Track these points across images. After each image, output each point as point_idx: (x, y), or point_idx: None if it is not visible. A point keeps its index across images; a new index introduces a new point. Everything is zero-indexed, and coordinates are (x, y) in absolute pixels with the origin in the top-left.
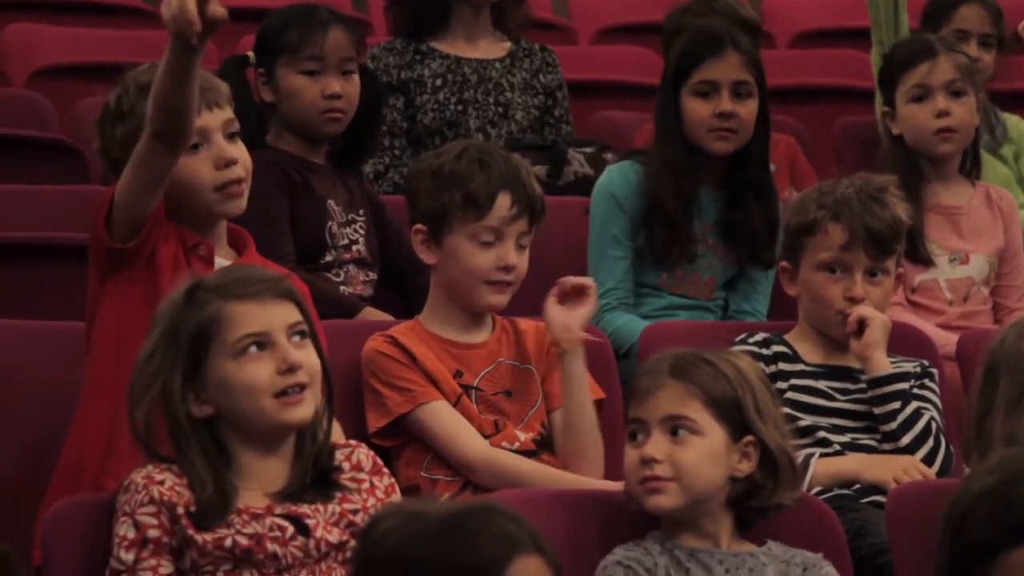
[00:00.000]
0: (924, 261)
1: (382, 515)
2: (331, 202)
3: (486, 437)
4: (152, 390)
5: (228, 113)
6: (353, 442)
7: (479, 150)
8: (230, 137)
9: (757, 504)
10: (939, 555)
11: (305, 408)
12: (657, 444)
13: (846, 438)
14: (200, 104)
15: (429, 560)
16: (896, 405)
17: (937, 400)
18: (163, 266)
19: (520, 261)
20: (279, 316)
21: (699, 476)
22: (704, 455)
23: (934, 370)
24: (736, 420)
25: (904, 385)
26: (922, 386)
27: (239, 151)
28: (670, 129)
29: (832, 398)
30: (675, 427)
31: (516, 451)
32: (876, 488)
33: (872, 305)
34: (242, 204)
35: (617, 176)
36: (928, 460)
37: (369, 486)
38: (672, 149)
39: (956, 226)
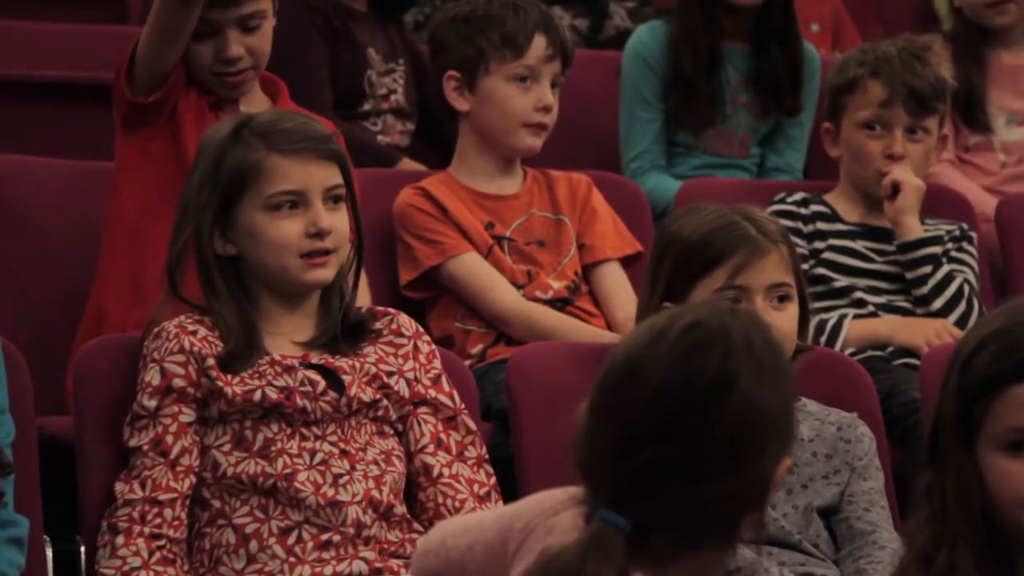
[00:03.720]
0: (982, 126)
1: None
2: (371, 50)
3: (519, 287)
4: (189, 225)
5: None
6: (392, 310)
7: None
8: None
9: None
10: (942, 397)
11: (328, 271)
12: (764, 312)
13: (882, 299)
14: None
15: None
16: (927, 269)
17: (974, 263)
18: (185, 119)
19: (554, 103)
20: (318, 177)
21: (793, 342)
22: (796, 320)
23: (973, 233)
24: (799, 283)
25: (936, 249)
26: (960, 249)
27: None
28: None
29: (870, 260)
30: (779, 295)
31: (549, 300)
32: (909, 350)
33: (912, 164)
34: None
35: (647, 37)
36: (961, 323)
37: (412, 349)
38: (691, 11)
39: (1016, 87)
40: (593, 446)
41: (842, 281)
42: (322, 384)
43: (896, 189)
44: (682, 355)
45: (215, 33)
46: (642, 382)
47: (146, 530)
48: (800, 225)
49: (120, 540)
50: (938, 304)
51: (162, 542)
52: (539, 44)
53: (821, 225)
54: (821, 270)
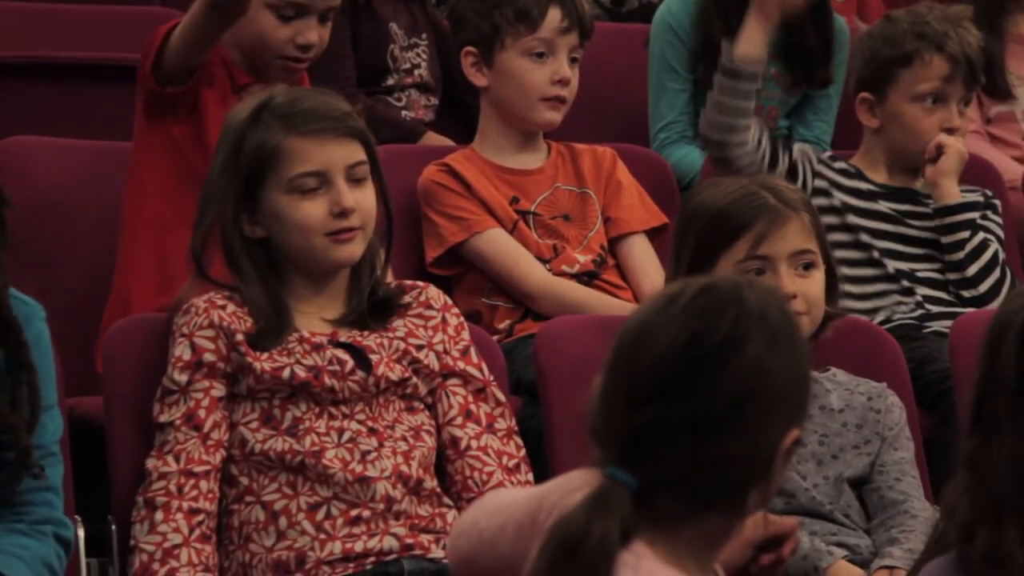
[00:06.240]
0: (1003, 94)
1: None
2: (393, 25)
3: (545, 261)
4: (213, 209)
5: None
6: (421, 283)
7: None
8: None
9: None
10: (994, 362)
11: (355, 247)
12: (789, 280)
13: (904, 265)
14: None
15: None
16: (964, 235)
17: (1000, 231)
18: (208, 106)
19: (573, 77)
20: (339, 155)
21: (821, 307)
22: (822, 286)
23: (997, 201)
24: (824, 249)
25: (973, 215)
26: (984, 217)
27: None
28: None
29: (897, 222)
30: (804, 262)
31: (576, 274)
32: (938, 318)
33: (961, 135)
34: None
35: (676, 6)
36: (994, 291)
37: (440, 321)
38: None
39: None
40: (604, 408)
41: (869, 243)
42: (350, 363)
43: (939, 152)
44: (694, 315)
45: (300, 16)
46: (653, 341)
47: (184, 504)
48: (826, 184)
49: (159, 516)
50: (973, 270)
51: (200, 517)
52: (554, 17)
53: (846, 184)
54: (839, 236)
